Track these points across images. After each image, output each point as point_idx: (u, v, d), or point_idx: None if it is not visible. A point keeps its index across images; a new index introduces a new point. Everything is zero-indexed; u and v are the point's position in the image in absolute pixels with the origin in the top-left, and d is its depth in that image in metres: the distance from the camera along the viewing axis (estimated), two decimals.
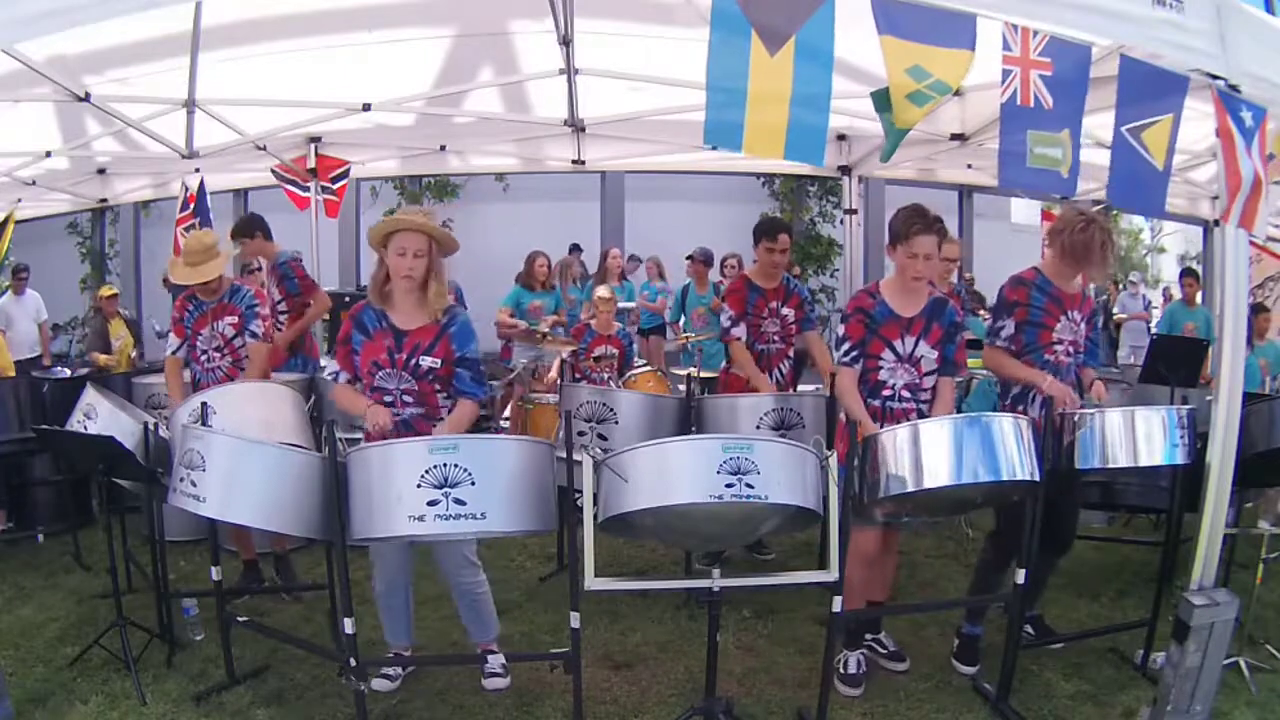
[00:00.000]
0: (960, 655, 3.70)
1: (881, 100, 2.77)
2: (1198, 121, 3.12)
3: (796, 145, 2.69)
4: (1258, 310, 6.10)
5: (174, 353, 4.38)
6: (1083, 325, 3.68)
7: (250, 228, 5.58)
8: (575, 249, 11.18)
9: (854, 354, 3.50)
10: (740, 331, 4.76)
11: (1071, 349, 3.66)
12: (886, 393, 3.50)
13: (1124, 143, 2.91)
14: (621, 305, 6.63)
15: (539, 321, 7.48)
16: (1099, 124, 3.05)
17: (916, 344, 3.48)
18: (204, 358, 4.31)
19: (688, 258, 8.71)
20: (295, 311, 5.50)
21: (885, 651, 3.70)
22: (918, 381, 3.51)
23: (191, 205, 6.52)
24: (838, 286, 13.06)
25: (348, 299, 8.19)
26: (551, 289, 7.96)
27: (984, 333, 6.77)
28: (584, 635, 2.98)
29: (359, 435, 4.97)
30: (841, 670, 3.53)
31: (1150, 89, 2.94)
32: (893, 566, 3.88)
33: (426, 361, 3.28)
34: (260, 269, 5.71)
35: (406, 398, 3.29)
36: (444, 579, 3.54)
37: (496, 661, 3.31)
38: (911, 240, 3.38)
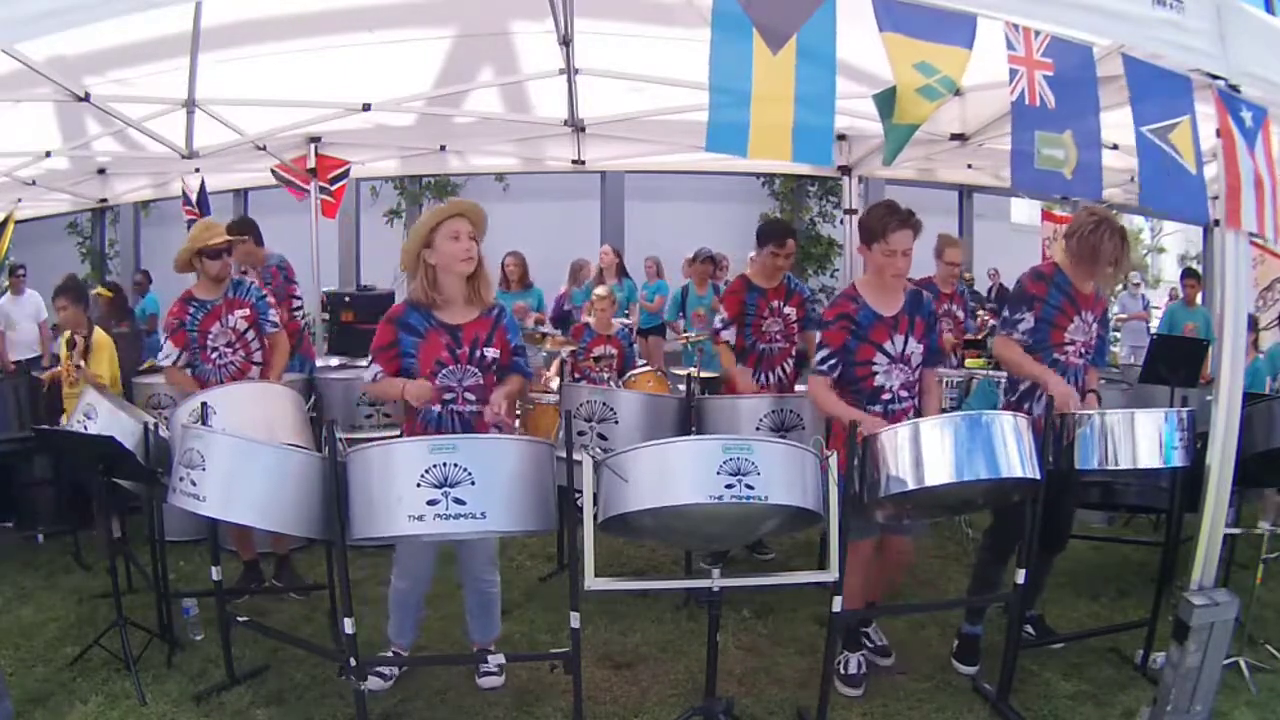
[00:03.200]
0: (960, 655, 3.70)
1: (884, 103, 2.76)
2: (1200, 122, 3.11)
3: (803, 146, 2.67)
4: (1252, 325, 6.08)
5: (174, 363, 4.32)
6: (1095, 326, 3.67)
7: (242, 229, 5.52)
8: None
9: (832, 362, 3.41)
10: (729, 335, 4.80)
11: (1083, 349, 3.65)
12: (886, 396, 3.43)
13: (1149, 144, 2.90)
14: (623, 322, 6.65)
15: (522, 322, 7.51)
16: (1108, 123, 3.04)
17: (906, 341, 3.45)
18: (215, 355, 4.29)
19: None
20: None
21: (872, 646, 3.71)
22: (912, 379, 3.49)
23: (193, 199, 6.54)
24: (837, 286, 13.07)
25: (347, 299, 8.19)
26: (529, 288, 7.95)
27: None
28: (584, 635, 2.99)
29: (359, 435, 5.00)
30: (842, 671, 3.53)
31: (1157, 88, 2.94)
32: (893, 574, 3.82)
33: (490, 353, 3.29)
34: (248, 271, 5.69)
35: (469, 394, 3.28)
36: (460, 575, 3.54)
37: (494, 661, 3.31)
38: (889, 237, 3.33)
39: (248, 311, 4.32)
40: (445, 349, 3.25)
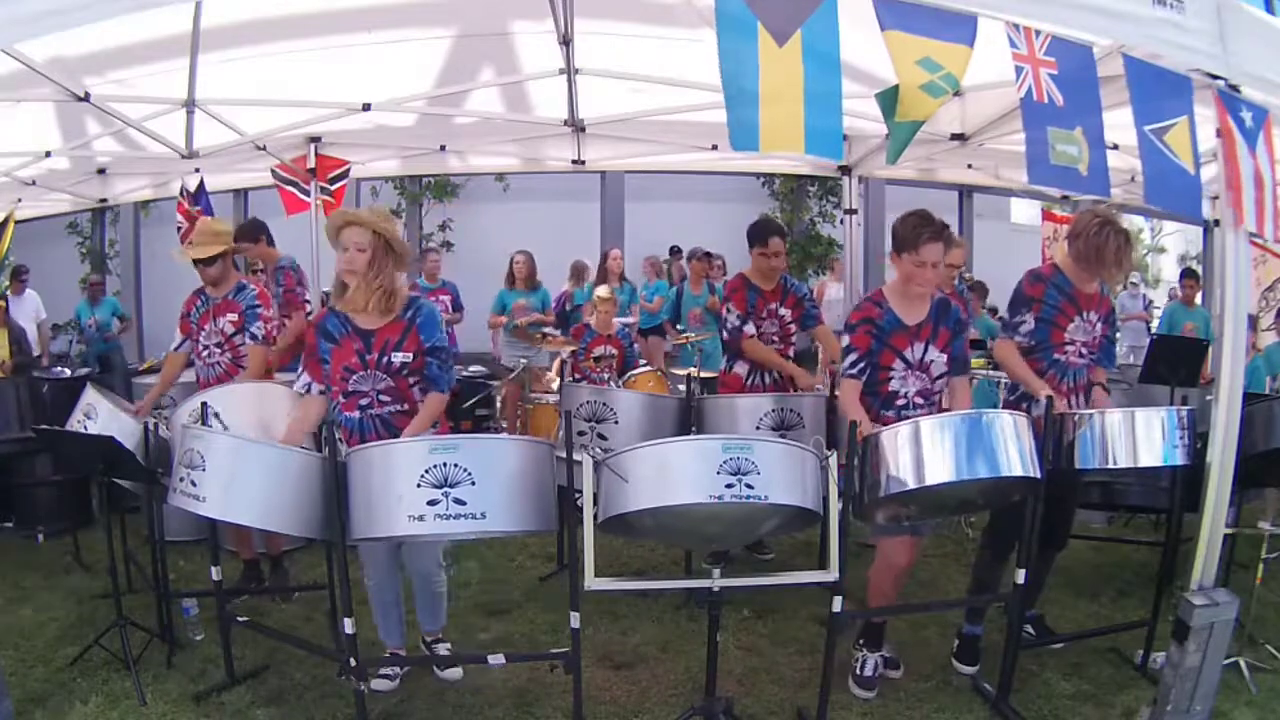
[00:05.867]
0: (960, 655, 3.70)
1: (888, 102, 2.76)
2: (1198, 123, 3.11)
3: (815, 140, 2.68)
4: (1251, 326, 6.10)
5: (176, 348, 4.40)
6: (1099, 325, 3.67)
7: (255, 232, 5.59)
8: (675, 251, 11.24)
9: (860, 366, 3.40)
10: (751, 329, 4.73)
11: (1084, 350, 3.64)
12: (900, 402, 3.43)
13: (1150, 144, 2.91)
14: (624, 321, 6.68)
15: (519, 320, 7.51)
16: (1106, 123, 3.04)
17: (926, 349, 3.43)
18: (205, 353, 4.34)
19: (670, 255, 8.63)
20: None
21: (882, 658, 3.67)
22: (930, 387, 3.47)
23: (191, 202, 6.54)
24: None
25: None
26: (536, 288, 7.95)
27: (987, 331, 6.81)
28: (584, 635, 2.99)
29: None
30: (858, 671, 3.52)
31: (1157, 88, 2.94)
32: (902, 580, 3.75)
33: (399, 358, 3.28)
34: (264, 270, 5.74)
35: (384, 397, 3.30)
36: (409, 574, 3.60)
37: (493, 660, 3.30)
38: (920, 249, 3.30)
39: (236, 316, 4.33)
40: (355, 355, 3.27)
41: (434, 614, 3.68)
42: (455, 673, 3.58)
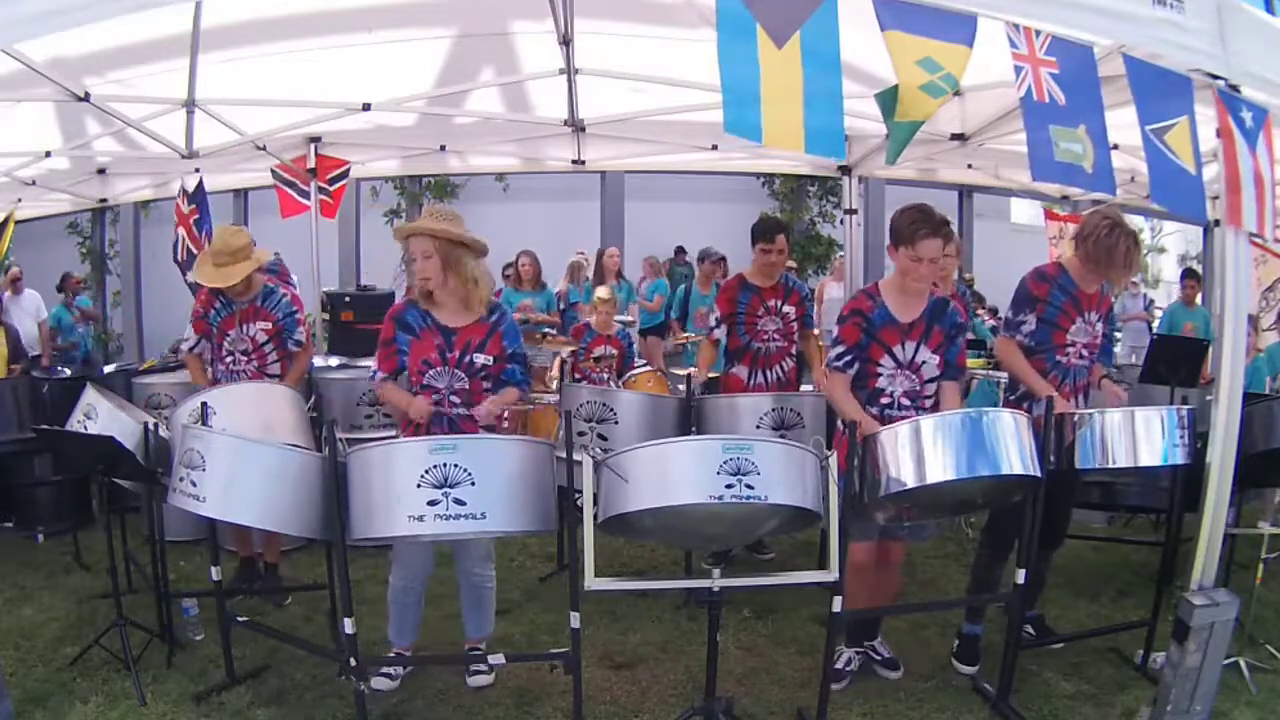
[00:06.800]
0: (960, 655, 3.70)
1: (887, 102, 2.76)
2: (1199, 123, 3.12)
3: (816, 140, 2.68)
4: (1252, 325, 6.10)
5: (192, 349, 4.35)
6: (1099, 325, 3.66)
7: None
8: (680, 251, 11.23)
9: (848, 358, 3.36)
10: (719, 334, 4.85)
11: (1085, 351, 3.63)
12: (885, 400, 3.38)
13: (1152, 145, 2.92)
14: (622, 319, 6.72)
15: (522, 321, 7.52)
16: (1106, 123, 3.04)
17: (917, 349, 3.37)
18: (229, 359, 4.29)
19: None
20: None
21: (880, 659, 3.67)
22: (918, 389, 3.40)
23: (187, 201, 6.51)
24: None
25: (347, 299, 8.18)
26: (541, 288, 7.95)
27: (983, 333, 6.81)
28: (584, 635, 2.99)
29: (359, 435, 5.00)
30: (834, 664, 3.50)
31: (1158, 88, 2.94)
32: (894, 581, 3.74)
33: (480, 359, 3.32)
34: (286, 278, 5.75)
35: (455, 398, 3.32)
36: (457, 571, 3.57)
37: (494, 660, 3.30)
38: (916, 244, 3.23)
39: (270, 325, 4.29)
40: (435, 350, 3.29)
41: (480, 618, 3.62)
42: (484, 680, 3.55)
